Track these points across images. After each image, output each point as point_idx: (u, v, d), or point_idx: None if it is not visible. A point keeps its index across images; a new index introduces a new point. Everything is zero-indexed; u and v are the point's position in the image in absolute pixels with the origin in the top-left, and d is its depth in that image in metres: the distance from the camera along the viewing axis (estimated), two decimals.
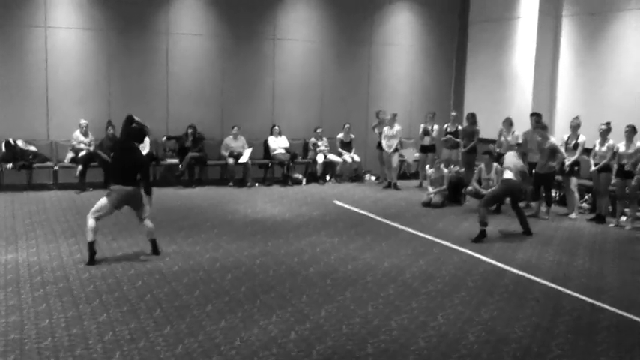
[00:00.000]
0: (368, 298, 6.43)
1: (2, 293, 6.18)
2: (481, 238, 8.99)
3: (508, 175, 9.50)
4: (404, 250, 8.39)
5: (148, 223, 7.65)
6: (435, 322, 5.82)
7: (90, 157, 12.36)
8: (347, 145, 14.66)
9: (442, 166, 12.40)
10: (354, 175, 14.71)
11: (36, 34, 12.70)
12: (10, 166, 12.09)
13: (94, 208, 7.40)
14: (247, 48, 14.42)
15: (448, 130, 13.53)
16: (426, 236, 9.26)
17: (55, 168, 12.54)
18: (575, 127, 11.31)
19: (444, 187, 12.00)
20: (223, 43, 14.18)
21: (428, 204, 11.72)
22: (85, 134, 12.66)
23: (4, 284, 6.46)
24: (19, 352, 4.86)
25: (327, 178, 14.35)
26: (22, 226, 9.11)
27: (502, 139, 12.39)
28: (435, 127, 13.78)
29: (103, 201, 7.42)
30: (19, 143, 12.35)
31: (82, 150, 12.45)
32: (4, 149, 12.23)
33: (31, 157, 12.30)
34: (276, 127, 14.28)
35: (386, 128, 13.80)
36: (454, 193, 12.12)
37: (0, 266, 7.07)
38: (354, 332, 5.51)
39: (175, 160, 13.34)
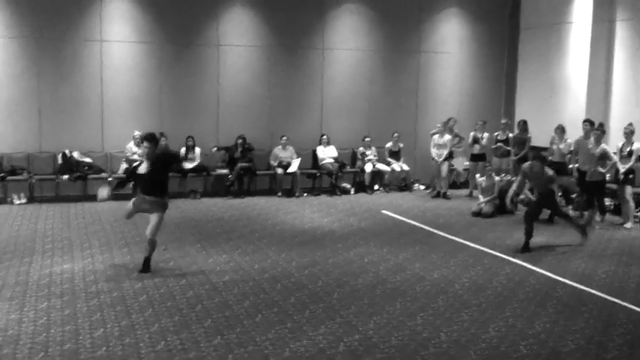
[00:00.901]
0: (417, 309, 6.38)
1: (58, 302, 6.35)
2: (526, 249, 8.84)
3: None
4: (453, 261, 8.30)
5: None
6: (486, 335, 5.73)
7: None
8: (395, 154, 14.60)
9: (493, 174, 12.23)
10: (403, 184, 14.63)
11: (91, 48, 13.06)
12: (66, 177, 12.45)
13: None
14: (296, 58, 14.53)
15: (498, 137, 13.35)
16: (476, 246, 9.14)
17: (109, 179, 12.85)
18: (629, 134, 11.02)
19: (495, 195, 11.83)
20: (273, 53, 14.32)
21: (478, 213, 11.57)
22: (138, 145, 12.92)
23: (60, 293, 6.64)
24: None
25: (376, 187, 14.30)
26: (78, 236, 9.36)
27: (554, 146, 12.15)
28: (485, 134, 13.61)
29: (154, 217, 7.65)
30: (75, 155, 12.71)
31: (135, 161, 12.72)
32: (60, 161, 12.60)
33: (86, 168, 12.63)
34: (325, 137, 14.33)
35: (436, 136, 13.71)
36: (505, 202, 11.91)
37: (56, 276, 7.26)
38: (404, 344, 5.47)
39: (225, 171, 13.51)
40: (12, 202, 12.07)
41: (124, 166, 12.86)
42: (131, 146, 12.89)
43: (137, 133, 12.91)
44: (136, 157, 12.78)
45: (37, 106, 12.80)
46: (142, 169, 7.84)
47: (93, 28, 13.05)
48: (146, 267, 7.52)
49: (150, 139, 7.72)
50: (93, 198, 12.56)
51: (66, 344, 5.31)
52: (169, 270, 7.63)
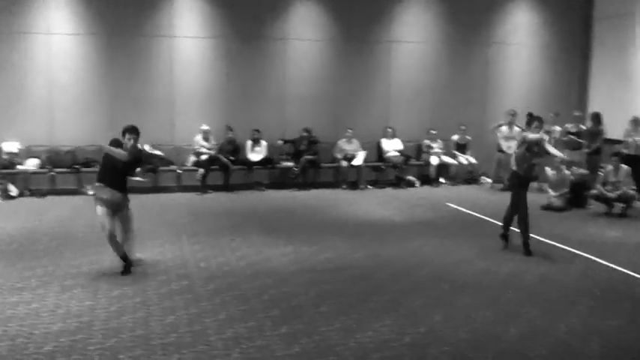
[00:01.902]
0: (485, 303, 6.28)
1: (130, 290, 6.54)
2: None
3: None
4: (522, 255, 8.11)
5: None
6: (556, 330, 5.58)
7: (211, 161, 12.85)
8: (462, 147, 14.39)
9: (564, 167, 11.89)
10: (469, 177, 14.41)
11: (161, 43, 13.38)
12: (137, 169, 12.77)
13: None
14: (362, 51, 14.49)
15: (570, 130, 12.97)
16: (546, 240, 8.92)
17: (179, 171, 13.14)
18: None
19: (566, 189, 11.50)
20: (338, 47, 14.33)
21: (548, 207, 11.28)
22: (206, 139, 13.17)
23: (132, 281, 6.83)
24: (145, 347, 5.12)
25: (441, 180, 14.13)
26: (149, 226, 9.61)
27: (630, 139, 11.72)
28: (557, 127, 13.24)
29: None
30: (146, 148, 13.03)
31: (203, 154, 12.97)
32: None
33: (156, 160, 12.95)
34: (390, 129, 14.25)
35: (504, 128, 13.43)
36: (577, 196, 11.59)
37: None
38: (470, 338, 5.39)
39: (290, 163, 13.61)
40: (86, 193, 12.49)
41: (192, 158, 13.13)
42: (199, 139, 13.14)
43: (205, 127, 13.15)
44: (203, 149, 13.03)
45: (109, 101, 13.21)
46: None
47: (163, 24, 13.36)
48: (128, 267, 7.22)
49: (132, 130, 7.49)
50: (163, 190, 12.89)
51: (137, 330, 5.46)
52: (236, 260, 7.74)
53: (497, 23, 15.19)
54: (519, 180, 8.22)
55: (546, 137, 9.31)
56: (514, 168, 8.28)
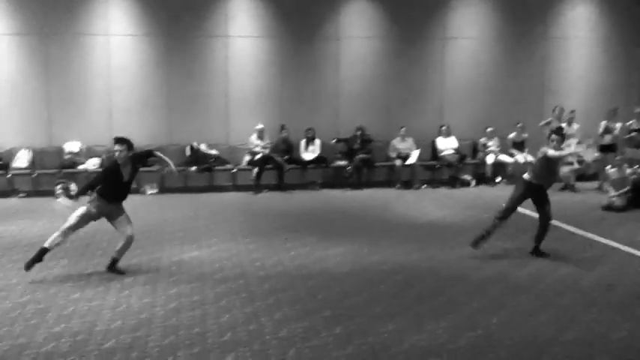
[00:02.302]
0: (542, 306, 6.15)
1: (187, 288, 6.66)
2: None
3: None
4: (581, 256, 7.93)
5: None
6: (616, 335, 5.43)
7: (265, 160, 12.97)
8: (519, 145, 14.13)
9: (625, 166, 11.55)
10: None
11: (217, 44, 13.57)
12: (193, 168, 13.03)
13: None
14: (416, 48, 14.40)
15: (633, 127, 12.58)
16: (607, 242, 8.68)
17: (234, 170, 13.32)
18: None
19: (627, 189, 11.17)
20: (392, 44, 14.27)
21: (609, 207, 10.98)
22: (261, 138, 13.30)
23: (189, 280, 6.96)
24: (202, 345, 5.21)
25: (498, 179, 13.91)
26: (204, 225, 9.77)
27: None
28: (618, 124, 12.87)
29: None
30: (202, 147, 13.26)
31: (258, 153, 13.11)
32: (188, 153, 13.20)
33: (212, 160, 13.16)
34: (445, 127, 14.11)
35: (564, 125, 13.12)
36: (639, 196, 11.23)
37: (185, 263, 7.62)
38: (528, 342, 5.29)
39: (344, 162, 13.62)
40: (144, 193, 12.81)
41: (247, 158, 13.28)
42: (254, 139, 13.27)
43: (260, 126, 13.28)
44: (258, 149, 13.16)
45: (166, 101, 13.49)
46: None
47: (219, 24, 13.55)
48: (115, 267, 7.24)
49: (121, 141, 7.15)
50: (219, 189, 13.10)
51: (194, 328, 5.56)
52: (290, 259, 7.79)
53: (554, 17, 14.86)
54: (529, 187, 7.99)
55: (569, 150, 9.04)
56: (527, 177, 8.03)
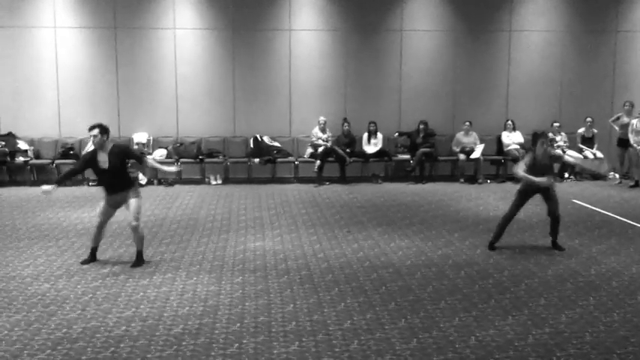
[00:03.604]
0: (613, 305, 5.97)
1: (252, 277, 6.74)
2: None
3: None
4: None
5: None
6: None
7: (327, 153, 13.00)
8: (588, 141, 13.73)
9: None
10: (596, 172, 13.72)
11: (281, 37, 13.66)
12: (257, 160, 13.16)
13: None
14: (481, 41, 14.15)
15: None
16: None
17: (296, 162, 13.40)
18: None
19: None
20: (457, 37, 14.07)
21: None
22: (323, 130, 13.33)
23: (254, 269, 7.04)
24: (267, 333, 5.27)
25: (566, 175, 13.55)
26: (268, 216, 9.87)
27: None
28: None
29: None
30: (265, 139, 13.38)
31: (320, 145, 13.14)
32: (252, 145, 13.35)
33: (275, 152, 13.26)
34: (510, 122, 13.82)
35: (635, 121, 12.68)
36: None
37: (250, 253, 7.72)
38: (599, 341, 5.15)
39: (407, 156, 13.52)
40: (209, 183, 13.03)
41: (309, 150, 13.33)
42: (316, 131, 13.31)
43: (322, 119, 13.31)
44: (320, 141, 13.19)
45: (231, 93, 13.67)
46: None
47: (283, 18, 13.63)
48: (140, 260, 7.20)
49: (94, 127, 7.03)
50: (281, 180, 13.21)
51: (259, 317, 5.62)
52: (353, 252, 7.79)
53: (625, 10, 14.34)
54: (529, 189, 7.72)
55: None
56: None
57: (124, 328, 5.36)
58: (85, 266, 7.12)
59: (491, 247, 7.97)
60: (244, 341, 5.10)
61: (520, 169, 7.65)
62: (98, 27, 13.27)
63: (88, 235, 8.50)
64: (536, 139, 7.76)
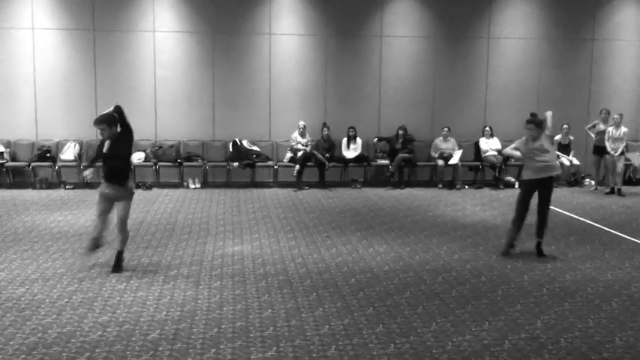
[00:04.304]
0: (588, 311, 6.04)
1: (230, 282, 6.72)
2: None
3: None
4: (629, 262, 7.75)
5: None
6: None
7: (307, 157, 13.00)
8: (565, 148, 13.88)
9: None
10: (572, 179, 13.89)
11: (261, 41, 13.65)
12: (236, 164, 13.13)
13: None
14: (460, 48, 14.26)
15: None
16: None
17: (275, 167, 13.39)
18: None
19: None
20: (436, 44, 14.16)
21: None
22: (303, 135, 13.34)
23: (232, 274, 7.02)
24: (245, 339, 5.25)
25: None
26: (247, 220, 9.84)
27: None
28: None
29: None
30: (245, 143, 13.36)
31: (299, 150, 13.14)
32: (231, 149, 13.31)
33: (254, 156, 13.24)
34: (488, 129, 13.94)
35: (611, 129, 12.84)
36: None
37: (228, 257, 7.69)
38: (574, 347, 5.20)
39: (386, 161, 13.57)
40: (187, 187, 12.97)
41: (288, 154, 13.33)
42: (296, 135, 13.32)
43: (302, 123, 13.32)
44: (300, 146, 13.20)
45: (211, 97, 13.63)
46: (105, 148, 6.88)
47: (263, 22, 13.63)
48: (119, 261, 7.07)
49: (100, 121, 7.04)
50: (261, 185, 13.20)
51: (237, 322, 5.60)
52: (332, 257, 7.80)
53: (602, 19, 14.55)
54: (532, 184, 7.85)
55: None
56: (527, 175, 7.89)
57: (99, 333, 5.31)
58: (60, 270, 7.05)
59: (507, 252, 7.97)
60: (222, 346, 5.08)
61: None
62: (76, 29, 13.16)
63: (64, 239, 8.45)
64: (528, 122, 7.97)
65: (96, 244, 7.22)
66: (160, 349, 5.01)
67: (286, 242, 8.49)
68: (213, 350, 5.00)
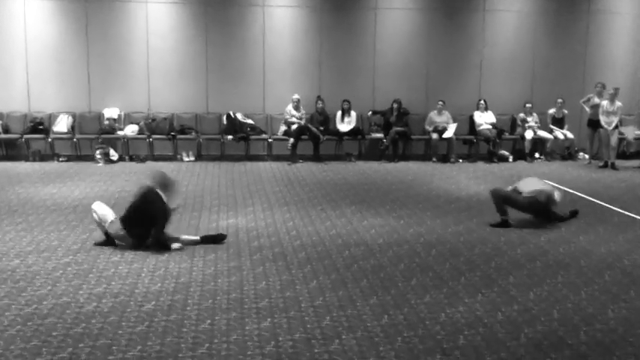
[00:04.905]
0: (581, 284, 6.09)
1: (225, 254, 6.73)
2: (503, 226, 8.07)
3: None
4: (622, 236, 7.80)
5: None
6: None
7: (301, 130, 12.96)
8: (559, 121, 13.90)
9: None
10: (566, 153, 13.92)
11: (255, 13, 13.53)
12: (230, 137, 13.09)
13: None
14: (455, 21, 14.17)
15: None
16: None
17: (270, 140, 13.35)
18: None
19: None
20: (431, 16, 14.07)
21: None
22: (297, 108, 13.29)
23: (226, 246, 7.03)
24: (240, 310, 5.27)
25: (536, 155, 13.72)
26: (241, 193, 9.84)
27: None
28: None
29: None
30: (239, 116, 13.30)
31: (294, 123, 13.10)
32: (225, 122, 13.26)
33: (248, 129, 13.20)
34: (482, 102, 13.91)
35: (605, 103, 12.83)
36: None
37: (222, 230, 7.67)
38: (566, 318, 5.25)
39: (380, 135, 13.55)
40: (181, 160, 12.94)
41: (283, 128, 13.29)
42: (290, 109, 13.26)
43: (296, 97, 13.25)
44: (294, 119, 13.15)
45: (204, 69, 13.53)
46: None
47: None
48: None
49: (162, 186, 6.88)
50: (255, 158, 13.18)
51: (232, 294, 5.62)
52: (326, 229, 7.82)
53: None
54: None
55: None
56: None
57: (94, 304, 5.32)
58: (54, 243, 7.04)
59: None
60: (216, 318, 5.10)
61: None
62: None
63: (59, 211, 8.43)
64: None
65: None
66: (156, 320, 5.03)
67: (281, 215, 8.50)
68: (208, 321, 5.02)
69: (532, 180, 8.51)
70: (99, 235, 7.11)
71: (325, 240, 7.37)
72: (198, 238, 7.16)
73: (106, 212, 7.00)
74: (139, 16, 13.21)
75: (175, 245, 6.81)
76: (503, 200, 8.13)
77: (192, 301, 5.42)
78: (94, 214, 7.02)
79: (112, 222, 6.84)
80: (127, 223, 6.78)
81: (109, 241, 6.96)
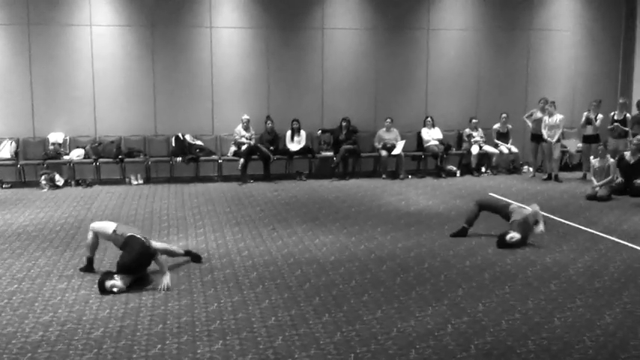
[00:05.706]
0: (528, 293, 6.22)
1: (175, 277, 6.65)
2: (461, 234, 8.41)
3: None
4: (567, 245, 8.01)
5: None
6: (601, 321, 5.51)
7: (251, 151, 12.94)
8: (504, 136, 14.23)
9: (608, 156, 11.68)
10: (511, 166, 14.24)
11: (201, 34, 13.50)
12: (179, 159, 12.98)
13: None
14: (401, 39, 14.41)
15: (615, 117, 12.72)
16: (591, 231, 8.78)
17: (220, 161, 13.29)
18: None
19: (611, 178, 11.29)
20: (377, 35, 14.28)
21: (593, 197, 11.08)
22: (247, 128, 13.27)
23: (177, 270, 6.94)
24: (191, 333, 5.21)
25: (483, 169, 14.00)
26: (191, 215, 9.75)
27: None
28: (600, 115, 12.99)
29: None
30: (187, 138, 13.21)
31: (243, 144, 13.08)
32: (174, 144, 13.14)
33: (197, 150, 13.11)
34: (429, 119, 14.15)
35: (546, 117, 13.20)
36: (625, 185, 11.37)
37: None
38: (514, 328, 5.36)
39: (330, 153, 13.64)
40: (130, 183, 12.75)
41: (232, 148, 13.25)
42: (240, 129, 13.24)
43: (245, 117, 13.25)
44: (244, 139, 13.13)
45: (152, 91, 13.41)
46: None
47: (203, 14, 13.47)
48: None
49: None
50: (205, 179, 13.08)
51: (182, 317, 5.56)
52: (278, 249, 7.81)
53: (539, 8, 14.94)
54: None
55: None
56: None
57: (41, 333, 5.19)
58: None
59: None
60: (167, 342, 5.03)
61: None
62: (11, 23, 12.74)
63: (2, 239, 8.21)
64: None
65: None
66: (104, 347, 4.93)
67: (232, 236, 8.46)
68: (159, 346, 4.95)
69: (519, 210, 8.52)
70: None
71: (277, 259, 7.36)
72: (182, 251, 7.24)
73: (105, 225, 6.89)
74: (84, 40, 13.03)
75: (116, 285, 6.23)
76: (488, 207, 8.49)
77: (142, 327, 5.34)
78: (89, 234, 6.84)
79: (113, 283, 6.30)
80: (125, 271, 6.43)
81: (91, 267, 6.85)
